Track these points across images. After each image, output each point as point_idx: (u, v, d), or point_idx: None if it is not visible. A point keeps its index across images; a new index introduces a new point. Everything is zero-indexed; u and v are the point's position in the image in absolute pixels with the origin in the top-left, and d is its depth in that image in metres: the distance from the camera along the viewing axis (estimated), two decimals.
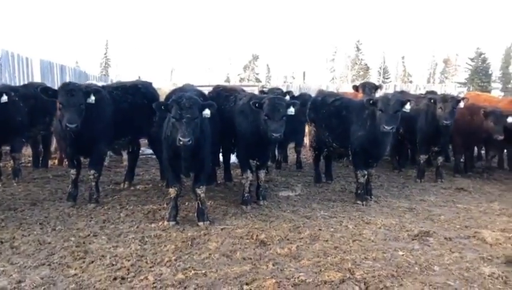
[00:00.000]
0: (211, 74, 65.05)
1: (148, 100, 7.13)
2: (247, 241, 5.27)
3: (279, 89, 10.89)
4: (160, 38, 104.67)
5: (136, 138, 7.92)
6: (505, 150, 10.41)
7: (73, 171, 6.68)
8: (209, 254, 4.83)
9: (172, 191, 5.90)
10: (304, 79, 60.25)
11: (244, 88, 11.19)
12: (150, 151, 9.71)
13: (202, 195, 5.91)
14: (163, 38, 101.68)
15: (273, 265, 4.57)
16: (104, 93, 6.68)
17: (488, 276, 4.40)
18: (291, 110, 6.32)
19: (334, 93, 8.80)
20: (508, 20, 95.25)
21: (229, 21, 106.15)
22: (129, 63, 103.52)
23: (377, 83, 12.43)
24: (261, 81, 57.17)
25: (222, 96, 7.41)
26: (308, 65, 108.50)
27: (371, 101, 6.78)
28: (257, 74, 71.74)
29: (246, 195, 6.80)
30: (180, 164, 5.71)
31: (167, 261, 4.62)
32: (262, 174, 7.00)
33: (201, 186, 5.90)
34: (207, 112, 5.58)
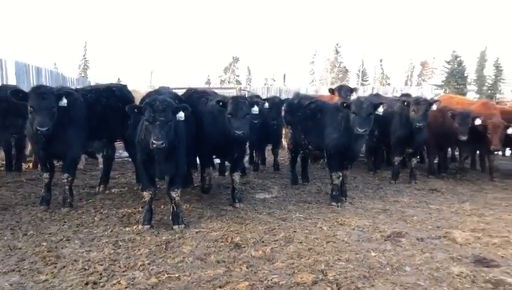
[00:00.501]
0: (191, 75, 64.86)
1: (123, 103, 7.05)
2: (222, 244, 5.27)
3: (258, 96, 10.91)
4: (140, 40, 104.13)
5: (111, 141, 7.83)
6: (477, 151, 10.68)
7: (46, 175, 6.58)
8: (183, 258, 4.81)
9: (146, 195, 5.87)
10: (284, 81, 60.61)
11: (221, 91, 11.21)
12: (127, 154, 9.62)
13: (177, 198, 5.89)
14: (143, 40, 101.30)
15: (247, 268, 4.58)
16: (77, 95, 6.61)
17: (457, 275, 4.48)
18: (255, 109, 6.53)
19: (309, 96, 8.88)
20: (482, 24, 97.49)
21: (209, 23, 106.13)
22: (108, 65, 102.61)
23: (356, 86, 12.61)
24: (241, 83, 57.25)
25: (194, 98, 7.42)
26: (289, 67, 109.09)
27: (345, 104, 6.87)
28: (237, 76, 71.90)
29: (206, 184, 7.33)
30: (155, 167, 5.69)
31: (140, 265, 4.58)
32: (236, 177, 7.06)
33: (176, 190, 5.88)
34: (181, 115, 5.56)
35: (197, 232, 5.65)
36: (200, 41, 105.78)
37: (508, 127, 9.04)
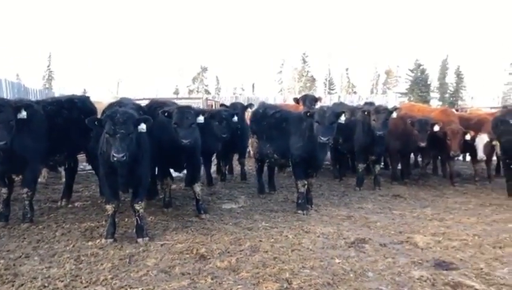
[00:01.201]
0: (159, 85, 64.33)
1: (85, 115, 6.92)
2: (187, 256, 5.23)
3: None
4: (107, 50, 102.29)
5: (73, 153, 7.67)
6: (439, 157, 11.01)
7: (4, 190, 6.39)
8: (147, 271, 4.74)
9: (109, 208, 5.76)
10: (253, 91, 60.89)
11: (188, 101, 11.19)
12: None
13: (141, 211, 5.82)
14: (110, 50, 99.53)
15: (212, 279, 4.56)
16: (37, 108, 6.47)
17: (418, 279, 4.58)
18: (201, 119, 6.73)
19: (274, 106, 8.98)
20: (444, 33, 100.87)
21: (177, 32, 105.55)
22: (74, 76, 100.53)
23: (323, 94, 12.82)
24: (210, 93, 57.07)
25: (152, 109, 7.39)
26: (257, 77, 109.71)
27: (308, 113, 6.96)
28: (206, 85, 71.67)
29: (167, 199, 7.39)
30: (117, 180, 5.60)
31: (103, 280, 4.50)
32: (197, 188, 7.07)
33: (139, 202, 5.81)
34: (143, 127, 5.51)
35: (161, 245, 5.58)
36: (168, 51, 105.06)
37: (466, 133, 9.36)
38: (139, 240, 5.69)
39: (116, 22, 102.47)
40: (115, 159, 5.10)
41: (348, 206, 7.85)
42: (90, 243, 5.63)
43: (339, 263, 5.04)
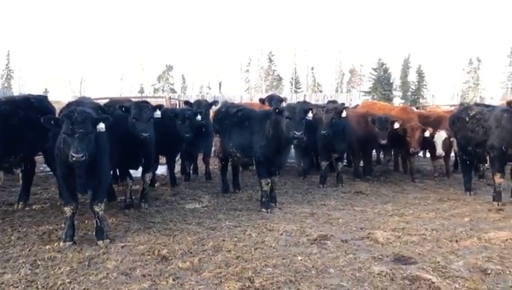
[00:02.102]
0: (124, 84, 63.15)
1: (43, 115, 6.70)
2: (149, 257, 5.15)
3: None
4: (69, 47, 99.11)
5: (30, 155, 7.42)
6: (400, 154, 11.28)
7: None
8: (107, 274, 4.65)
9: (67, 210, 5.61)
10: (220, 89, 60.61)
11: (151, 100, 11.08)
12: None
13: (101, 212, 5.69)
14: (73, 47, 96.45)
15: (173, 280, 4.51)
16: None
17: (377, 274, 4.68)
18: (158, 114, 6.95)
19: (236, 104, 8.96)
20: (405, 32, 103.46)
21: (142, 30, 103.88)
22: (35, 74, 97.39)
23: (288, 93, 12.92)
24: (176, 92, 56.45)
25: (112, 108, 7.32)
26: (224, 75, 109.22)
27: (277, 110, 6.98)
28: (172, 84, 70.81)
29: (128, 200, 7.26)
30: (75, 181, 5.46)
31: (60, 285, 4.37)
32: (147, 177, 7.44)
33: (99, 204, 5.68)
34: (102, 126, 5.40)
35: (122, 247, 5.48)
36: (133, 49, 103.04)
37: (425, 131, 9.63)
38: (99, 242, 5.56)
39: (80, 19, 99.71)
40: (74, 159, 4.97)
41: (311, 203, 7.92)
42: (47, 246, 5.46)
43: (301, 260, 5.08)
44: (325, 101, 15.53)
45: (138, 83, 66.50)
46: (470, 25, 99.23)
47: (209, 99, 13.63)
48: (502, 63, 65.70)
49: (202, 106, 10.05)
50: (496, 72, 68.12)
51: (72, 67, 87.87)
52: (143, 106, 6.78)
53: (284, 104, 10.53)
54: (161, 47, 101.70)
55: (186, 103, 10.89)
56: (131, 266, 4.88)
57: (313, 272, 4.77)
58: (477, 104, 9.63)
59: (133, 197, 7.48)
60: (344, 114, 8.84)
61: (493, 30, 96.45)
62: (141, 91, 60.24)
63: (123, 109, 6.73)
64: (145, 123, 6.64)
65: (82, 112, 5.18)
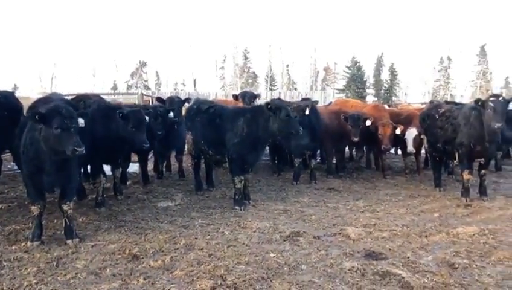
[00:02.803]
0: (96, 81, 62.01)
1: (9, 111, 6.59)
2: (119, 256, 5.08)
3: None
4: (39, 42, 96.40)
5: None
6: (372, 151, 11.44)
7: None
8: (76, 274, 4.56)
9: (35, 209, 5.47)
10: (194, 86, 60.15)
11: (123, 97, 10.88)
12: None
13: (69, 211, 5.57)
14: (42, 42, 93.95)
15: (144, 279, 4.46)
16: None
17: (349, 270, 4.72)
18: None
19: (209, 101, 8.88)
20: (378, 31, 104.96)
21: (115, 26, 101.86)
22: (4, 70, 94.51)
23: (264, 91, 12.92)
24: (150, 89, 55.73)
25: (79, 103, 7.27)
26: (199, 72, 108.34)
27: (269, 106, 7.05)
28: (146, 80, 69.90)
29: (99, 198, 7.16)
30: (42, 179, 5.32)
31: (27, 286, 4.27)
32: (117, 173, 7.78)
33: (68, 202, 5.56)
34: (81, 122, 5.33)
35: (92, 246, 5.39)
36: (105, 45, 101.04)
37: (396, 128, 9.78)
38: (68, 241, 5.45)
39: (51, 14, 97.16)
40: (77, 152, 4.94)
41: (284, 200, 7.95)
42: (14, 247, 5.33)
43: (273, 257, 5.09)
44: (300, 99, 15.65)
45: (111, 80, 65.42)
46: (441, 24, 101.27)
47: (184, 96, 13.45)
48: (472, 62, 67.43)
49: (174, 102, 9.86)
50: (466, 71, 69.72)
51: (43, 63, 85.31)
52: (142, 116, 6.96)
53: (258, 101, 10.56)
54: (135, 43, 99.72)
55: (159, 99, 10.63)
56: (101, 265, 4.80)
57: (285, 268, 4.78)
58: (446, 102, 9.86)
59: (105, 196, 7.37)
60: (307, 111, 8.86)
61: (463, 30, 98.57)
62: (114, 88, 59.26)
63: (121, 115, 6.78)
64: (144, 133, 6.92)
65: (66, 107, 5.19)
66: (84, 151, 5.00)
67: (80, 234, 5.70)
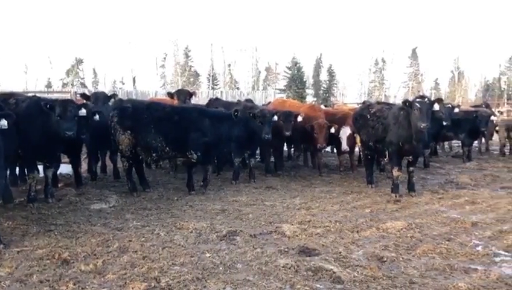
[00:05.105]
0: (28, 78, 58.85)
1: None
2: (48, 261, 4.86)
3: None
4: None
5: None
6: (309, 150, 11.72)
7: None
8: None
9: None
10: (134, 84, 58.61)
11: (57, 95, 10.44)
12: None
13: None
14: None
15: (74, 284, 4.30)
16: None
17: (283, 267, 4.80)
18: (83, 112, 7.24)
19: (142, 101, 8.72)
20: (317, 32, 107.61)
21: (47, 19, 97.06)
22: None
23: (206, 90, 12.87)
24: (86, 87, 53.66)
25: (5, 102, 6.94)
26: (139, 70, 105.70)
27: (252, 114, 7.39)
28: (82, 78, 67.30)
29: (32, 194, 7.16)
30: None
31: None
32: (50, 173, 7.53)
33: None
34: (4, 123, 5.06)
35: (18, 252, 5.12)
36: (38, 40, 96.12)
37: (331, 127, 10.09)
38: None
39: None
40: None
41: (223, 199, 7.96)
42: None
43: (209, 257, 5.08)
44: (241, 98, 15.78)
45: (45, 77, 62.35)
46: (376, 27, 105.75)
47: (123, 95, 13.00)
48: (404, 64, 70.89)
49: (100, 99, 9.38)
50: (399, 73, 73.17)
51: None
52: (68, 104, 6.93)
53: (193, 99, 10.50)
54: (70, 39, 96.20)
55: (83, 95, 9.83)
56: (28, 272, 4.58)
57: (221, 268, 4.79)
58: (378, 102, 10.29)
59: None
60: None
61: (396, 33, 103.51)
62: (48, 85, 56.58)
63: (47, 106, 6.78)
64: (70, 122, 6.80)
65: None
66: None
67: (5, 240, 5.40)
